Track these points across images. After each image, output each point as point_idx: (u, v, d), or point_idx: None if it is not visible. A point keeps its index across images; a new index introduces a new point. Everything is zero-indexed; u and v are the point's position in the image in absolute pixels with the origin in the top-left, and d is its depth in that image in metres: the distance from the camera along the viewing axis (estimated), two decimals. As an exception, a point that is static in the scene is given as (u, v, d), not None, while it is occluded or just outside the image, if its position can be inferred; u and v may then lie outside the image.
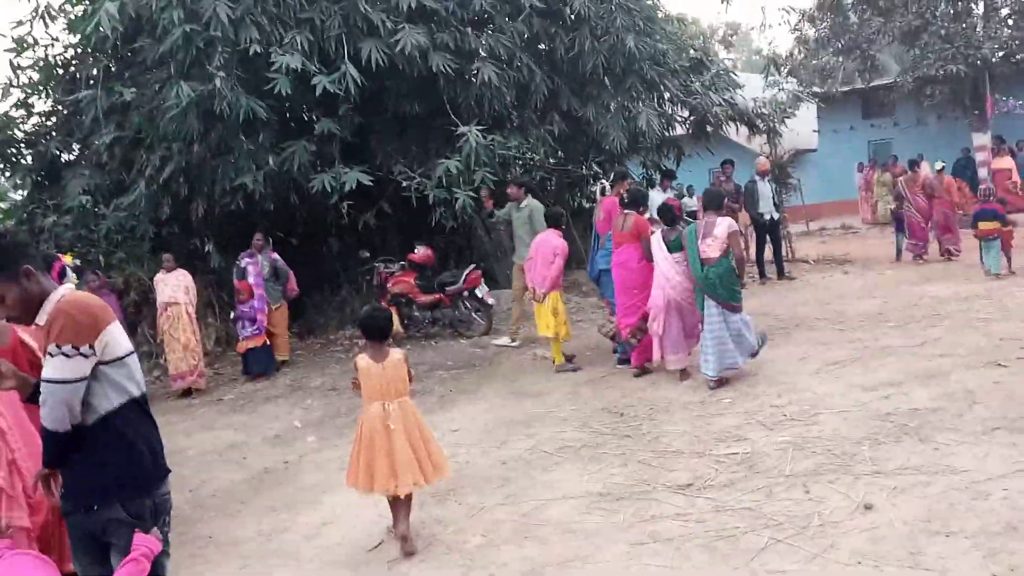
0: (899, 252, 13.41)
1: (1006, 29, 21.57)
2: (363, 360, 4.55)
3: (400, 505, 4.42)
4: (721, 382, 6.69)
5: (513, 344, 9.83)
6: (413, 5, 9.91)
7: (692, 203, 15.55)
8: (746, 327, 6.80)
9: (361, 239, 12.18)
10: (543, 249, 8.29)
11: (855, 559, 3.57)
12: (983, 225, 10.68)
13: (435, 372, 8.94)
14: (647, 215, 8.21)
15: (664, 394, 6.84)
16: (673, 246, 7.10)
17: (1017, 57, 21.45)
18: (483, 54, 10.71)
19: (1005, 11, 21.95)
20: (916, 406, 5.52)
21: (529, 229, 9.44)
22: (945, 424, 5.09)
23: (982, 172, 20.23)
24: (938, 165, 14.82)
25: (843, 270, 13.09)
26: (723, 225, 6.77)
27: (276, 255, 10.28)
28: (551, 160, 12.26)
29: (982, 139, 21.23)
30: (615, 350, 8.23)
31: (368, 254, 11.83)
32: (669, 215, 7.49)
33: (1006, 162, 18.29)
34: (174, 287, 9.39)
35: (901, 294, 10.11)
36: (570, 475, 5.24)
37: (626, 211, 7.80)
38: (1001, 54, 21.19)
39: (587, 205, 14.26)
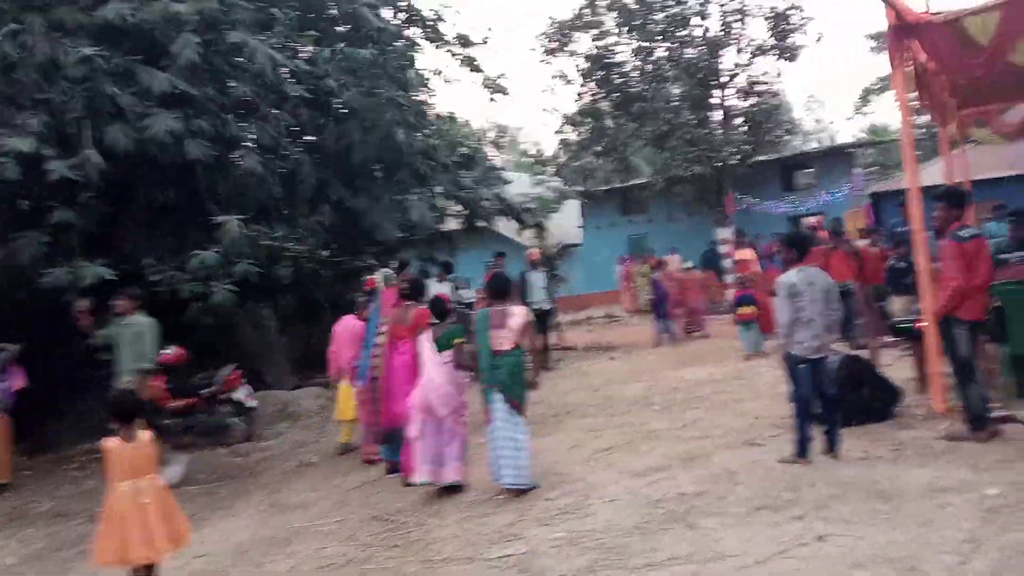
0: (660, 337, 14.18)
1: (742, 135, 24.26)
2: (112, 442, 4.74)
3: (146, 573, 4.77)
4: (523, 492, 6.03)
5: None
6: (167, 90, 9.29)
7: (470, 295, 15.67)
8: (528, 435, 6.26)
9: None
10: (344, 335, 8.33)
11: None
12: (742, 310, 11.68)
13: (183, 488, 7.96)
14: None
15: (434, 496, 6.42)
16: (441, 344, 6.57)
17: (751, 160, 24.11)
18: (246, 143, 10.20)
19: (739, 120, 24.70)
20: (683, 490, 5.55)
21: (134, 351, 7.82)
22: (711, 508, 5.12)
23: (727, 263, 22.17)
24: (687, 264, 16.37)
25: (609, 356, 13.57)
26: (519, 315, 6.27)
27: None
28: (322, 252, 11.84)
29: (725, 233, 23.40)
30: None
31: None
32: (439, 309, 6.94)
33: (747, 253, 20.15)
34: None
35: (663, 378, 10.54)
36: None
37: (407, 303, 7.34)
38: (738, 157, 23.73)
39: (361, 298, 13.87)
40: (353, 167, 11.71)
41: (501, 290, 6.53)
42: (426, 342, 6.66)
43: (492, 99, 15.51)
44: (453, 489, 6.38)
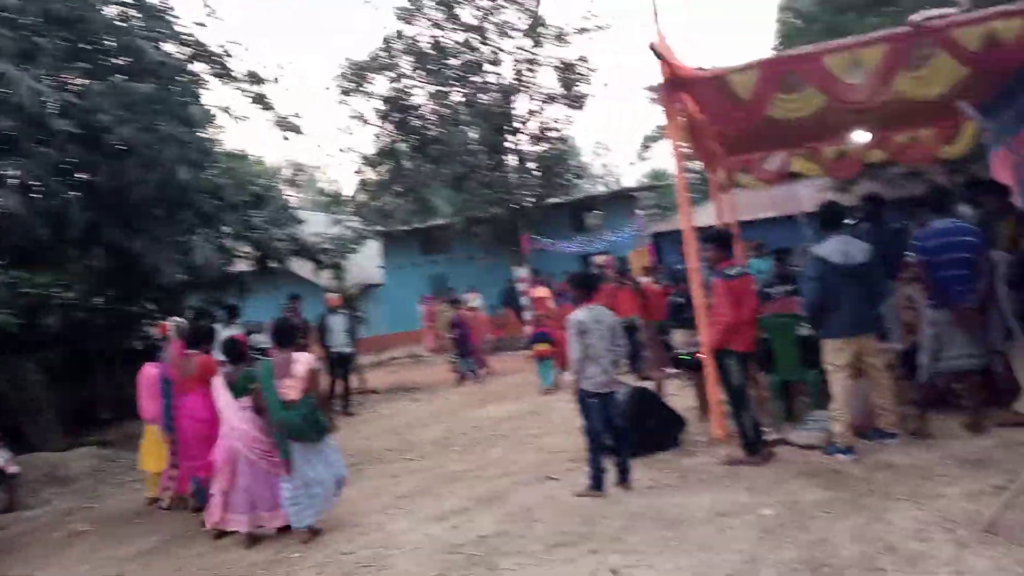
0: (462, 376, 14.23)
1: (535, 178, 25.16)
2: None
3: None
4: (316, 532, 6.00)
5: None
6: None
7: (263, 340, 14.98)
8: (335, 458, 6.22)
9: None
10: (145, 385, 7.87)
11: None
12: (538, 347, 12.01)
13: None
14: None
15: (230, 556, 5.99)
16: (239, 389, 6.30)
17: (544, 202, 25.04)
18: (7, 181, 9.23)
19: (532, 164, 25.62)
20: (483, 532, 5.51)
21: None
22: (510, 548, 5.10)
23: (524, 300, 22.75)
24: (475, 303, 16.72)
25: (411, 398, 13.42)
26: (303, 363, 6.05)
27: None
28: (95, 299, 10.88)
29: (521, 272, 24.06)
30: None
31: None
32: (234, 352, 6.62)
33: (543, 291, 20.79)
34: None
35: (464, 418, 10.54)
36: None
37: (189, 351, 6.99)
38: (532, 200, 24.57)
39: (141, 347, 12.89)
40: (130, 207, 10.89)
41: (285, 337, 6.28)
42: (220, 388, 6.31)
43: (285, 138, 14.94)
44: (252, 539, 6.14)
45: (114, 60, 11.64)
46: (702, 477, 6.07)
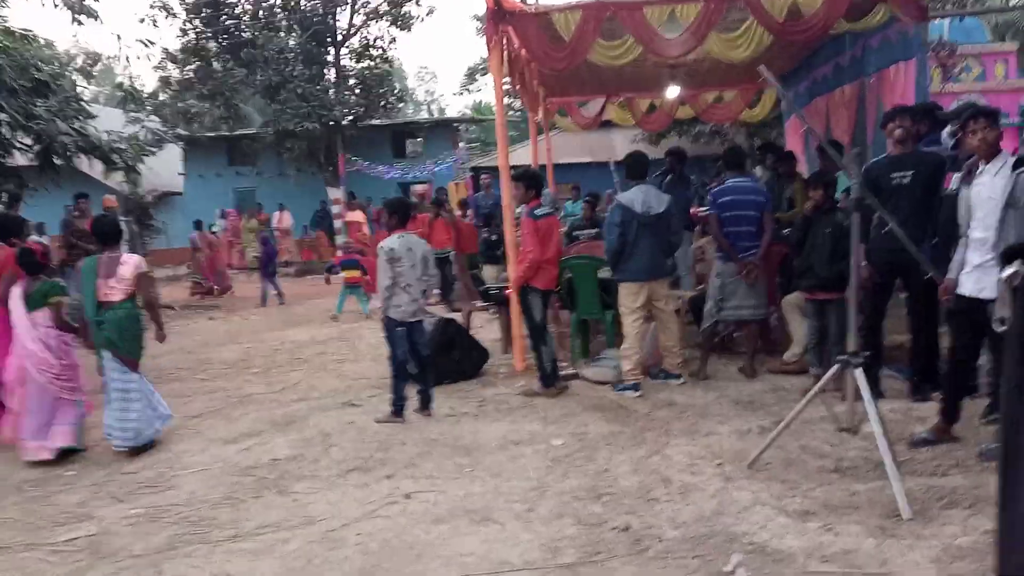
0: (265, 297, 13.76)
1: (354, 96, 24.29)
2: None
3: None
4: (137, 452, 5.64)
5: None
6: None
7: (44, 241, 13.69)
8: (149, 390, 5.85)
9: None
10: None
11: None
12: (348, 273, 11.81)
13: None
14: None
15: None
16: (33, 301, 5.72)
17: (363, 123, 24.31)
18: None
19: (353, 80, 24.71)
20: (276, 456, 5.41)
21: None
22: (303, 472, 5.06)
23: (337, 223, 22.22)
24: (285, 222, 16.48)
25: (209, 316, 12.84)
26: (130, 264, 5.68)
27: None
28: None
29: (336, 193, 23.39)
30: None
31: None
32: (31, 263, 5.91)
33: (358, 215, 20.39)
34: None
35: (265, 340, 10.24)
36: None
37: None
38: (351, 118, 23.76)
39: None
40: None
41: (110, 235, 5.82)
42: (16, 300, 5.73)
43: (78, 22, 13.38)
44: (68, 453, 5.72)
45: None
46: (500, 407, 6.27)
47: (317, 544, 3.97)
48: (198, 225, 16.75)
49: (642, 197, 6.39)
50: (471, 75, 40.74)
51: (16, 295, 5.79)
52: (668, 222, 6.46)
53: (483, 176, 16.64)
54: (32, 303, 5.76)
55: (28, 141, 12.52)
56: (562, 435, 5.43)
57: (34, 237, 11.92)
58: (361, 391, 7.04)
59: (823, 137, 7.61)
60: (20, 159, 12.97)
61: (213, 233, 17.13)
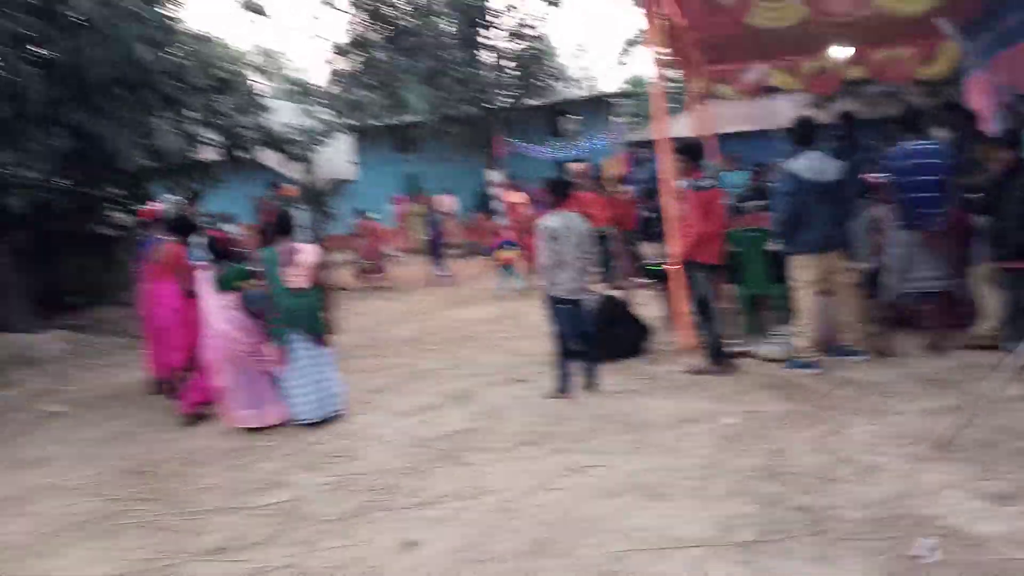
0: (434, 278, 14.30)
1: (510, 78, 24.59)
2: None
3: None
4: (324, 424, 6.05)
5: None
6: None
7: (234, 230, 14.85)
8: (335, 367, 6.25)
9: None
10: None
11: (400, 606, 3.38)
12: (503, 254, 12.19)
13: None
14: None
15: (200, 444, 6.08)
16: (224, 285, 6.22)
17: (520, 103, 24.56)
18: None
19: (509, 63, 25.00)
20: (452, 428, 5.65)
21: None
22: (478, 444, 5.25)
23: (497, 205, 22.59)
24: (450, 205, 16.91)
25: (383, 297, 13.47)
26: (308, 253, 6.12)
27: None
28: (59, 180, 10.60)
29: (496, 175, 23.78)
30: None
31: None
32: (216, 249, 6.50)
33: (518, 196, 20.63)
34: None
35: (436, 318, 10.63)
36: (78, 558, 4.30)
37: (162, 238, 6.88)
38: (508, 101, 24.08)
39: (110, 233, 12.69)
40: (90, 85, 10.46)
41: (286, 227, 6.28)
42: (205, 285, 6.25)
43: (252, 21, 14.37)
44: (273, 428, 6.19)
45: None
46: (667, 385, 6.24)
47: (494, 514, 4.13)
48: (359, 213, 17.56)
49: (813, 164, 6.11)
50: (625, 48, 40.15)
51: (205, 280, 6.30)
52: (842, 190, 6.16)
53: (640, 150, 16.43)
54: (222, 286, 6.26)
55: (213, 136, 13.56)
56: (733, 413, 5.33)
57: (223, 225, 12.94)
58: (528, 367, 7.19)
59: (1012, 94, 6.99)
60: (208, 153, 14.07)
61: (373, 220, 17.88)
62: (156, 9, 11.26)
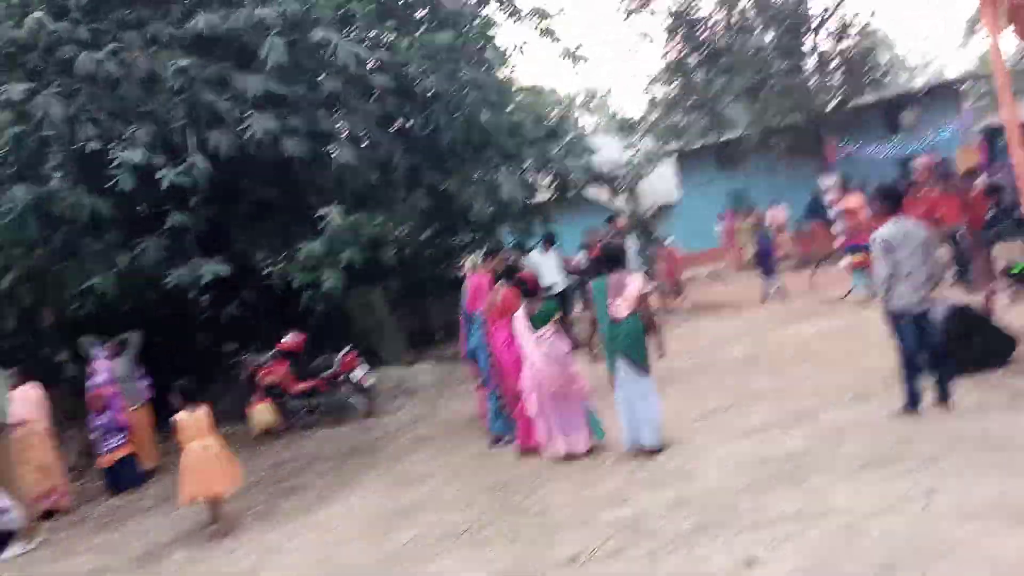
0: (767, 294, 13.98)
1: (838, 79, 23.27)
2: (182, 416, 6.77)
3: (215, 504, 6.76)
4: (650, 452, 6.17)
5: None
6: (260, 92, 9.75)
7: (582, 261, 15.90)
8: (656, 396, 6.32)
9: (227, 331, 11.68)
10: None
11: (741, 621, 3.48)
12: (855, 257, 11.52)
13: (313, 465, 8.53)
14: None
15: (546, 464, 6.67)
16: (537, 321, 6.72)
17: (850, 104, 23.14)
18: (338, 135, 10.62)
19: (834, 64, 23.69)
20: (791, 449, 5.58)
21: None
22: (818, 465, 5.14)
23: (831, 212, 21.42)
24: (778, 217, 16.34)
25: (714, 316, 13.46)
26: (634, 285, 6.30)
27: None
28: (421, 234, 12.21)
29: (829, 181, 22.57)
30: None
31: (236, 346, 11.35)
32: (526, 288, 6.95)
33: (853, 201, 19.43)
34: (22, 404, 8.65)
35: (770, 335, 10.41)
36: (455, 564, 4.98)
37: (498, 285, 7.51)
38: (836, 102, 22.80)
39: (460, 275, 14.27)
40: (442, 150, 11.98)
41: (615, 259, 6.61)
42: (522, 321, 6.81)
43: (574, 71, 15.42)
44: (581, 455, 6.58)
45: (415, 14, 12.71)
46: (1036, 399, 5.58)
47: (836, 535, 4.05)
48: (654, 241, 17.66)
49: None
50: (970, 27, 35.91)
51: (521, 318, 6.82)
52: None
53: (997, 136, 14.65)
54: (536, 322, 6.72)
55: (546, 180, 14.69)
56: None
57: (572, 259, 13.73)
58: (872, 384, 6.80)
59: None
60: (542, 195, 15.25)
61: (670, 246, 17.89)
62: (493, 74, 12.56)
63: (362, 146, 10.97)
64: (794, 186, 24.08)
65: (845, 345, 8.84)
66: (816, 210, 22.75)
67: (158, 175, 9.17)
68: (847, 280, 11.94)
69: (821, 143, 22.75)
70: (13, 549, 7.49)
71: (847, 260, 11.98)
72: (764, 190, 24.96)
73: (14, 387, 8.75)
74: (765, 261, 14.30)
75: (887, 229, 5.71)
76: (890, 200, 5.88)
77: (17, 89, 8.90)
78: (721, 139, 26.42)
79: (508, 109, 12.65)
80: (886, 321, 5.90)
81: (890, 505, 4.26)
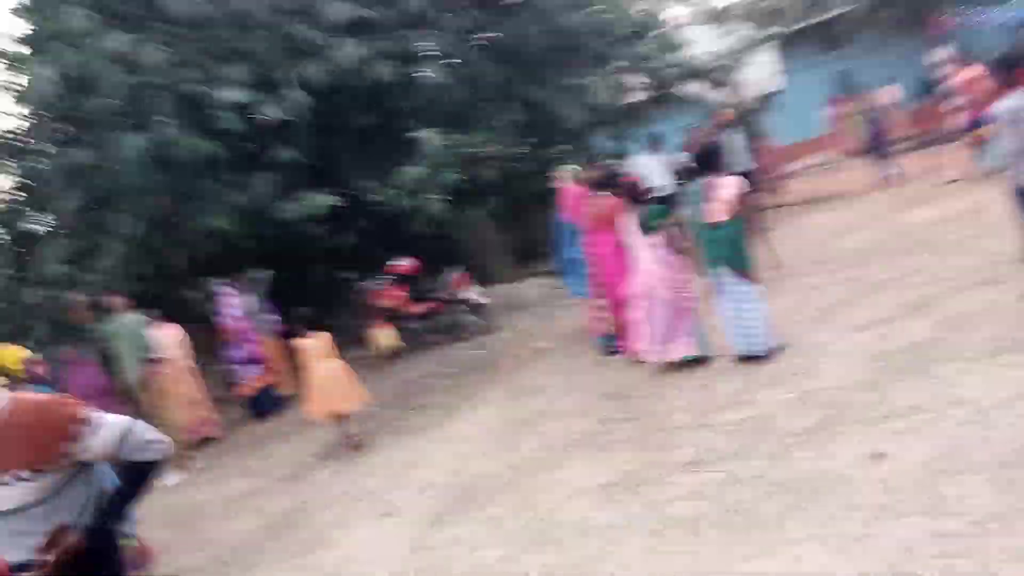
0: (883, 179, 13.38)
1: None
2: (306, 341, 7.21)
3: (344, 420, 7.21)
4: (755, 359, 6.06)
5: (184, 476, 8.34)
6: (348, 18, 9.79)
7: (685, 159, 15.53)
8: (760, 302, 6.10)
9: (344, 261, 12.08)
10: None
11: (873, 514, 3.50)
12: (976, 132, 10.91)
13: (436, 383, 8.90)
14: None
15: (659, 370, 6.69)
16: (648, 226, 6.56)
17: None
18: (428, 55, 10.59)
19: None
20: (915, 339, 5.45)
21: (135, 344, 8.34)
22: (946, 354, 5.01)
23: (947, 86, 20.05)
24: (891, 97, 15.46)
25: (827, 207, 13.02)
26: (729, 186, 6.04)
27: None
28: (517, 150, 12.16)
29: (942, 54, 21.05)
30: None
31: (353, 275, 11.76)
32: (633, 193, 6.84)
33: (974, 71, 18.10)
34: (166, 343, 9.30)
35: (887, 224, 10.02)
36: (580, 469, 5.18)
37: (598, 193, 7.40)
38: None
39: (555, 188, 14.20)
40: (531, 60, 11.77)
41: (709, 161, 6.38)
42: (631, 228, 6.75)
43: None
44: (687, 363, 6.51)
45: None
46: None
47: (968, 425, 3.99)
48: (759, 134, 16.88)
49: None
50: None
51: (631, 224, 6.72)
52: None
53: None
54: (646, 228, 6.59)
55: (640, 80, 14.25)
56: None
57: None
58: (1001, 268, 6.50)
59: None
60: (635, 96, 14.83)
61: (769, 141, 17.11)
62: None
63: (452, 64, 10.88)
64: (906, 63, 22.60)
65: (968, 228, 8.42)
66: (930, 86, 21.36)
67: (261, 112, 9.42)
68: (967, 159, 11.26)
69: (934, 12, 21.14)
70: (171, 477, 8.19)
71: (968, 137, 11.29)
72: (874, 70, 23.53)
73: (157, 328, 9.40)
74: (878, 145, 13.61)
75: (1010, 101, 5.36)
76: (1011, 70, 5.48)
77: (123, 39, 9.22)
78: (824, 18, 24.91)
79: (594, 7, 12.23)
80: (1012, 198, 5.60)
81: (1022, 393, 4.14)
